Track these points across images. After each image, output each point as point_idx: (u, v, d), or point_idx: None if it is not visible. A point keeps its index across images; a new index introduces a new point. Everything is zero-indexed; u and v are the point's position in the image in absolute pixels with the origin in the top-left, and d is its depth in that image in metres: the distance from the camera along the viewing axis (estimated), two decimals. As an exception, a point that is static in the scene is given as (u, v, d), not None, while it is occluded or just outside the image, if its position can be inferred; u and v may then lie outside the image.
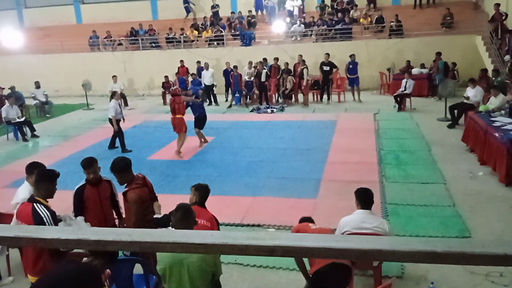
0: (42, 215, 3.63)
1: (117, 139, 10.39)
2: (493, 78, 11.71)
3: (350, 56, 15.48)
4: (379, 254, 1.07)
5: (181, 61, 17.15)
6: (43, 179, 3.86)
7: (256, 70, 15.33)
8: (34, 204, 3.72)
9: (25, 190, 4.45)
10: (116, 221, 4.84)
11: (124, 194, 4.37)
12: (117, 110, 10.24)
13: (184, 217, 3.25)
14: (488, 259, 1.03)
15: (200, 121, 10.31)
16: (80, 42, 19.91)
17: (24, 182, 4.67)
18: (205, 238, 1.15)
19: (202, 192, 4.33)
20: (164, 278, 3.20)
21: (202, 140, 10.53)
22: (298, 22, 18.59)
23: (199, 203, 4.29)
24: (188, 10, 21.22)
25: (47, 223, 3.56)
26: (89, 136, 12.16)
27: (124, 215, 4.81)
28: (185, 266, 3.11)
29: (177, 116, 9.70)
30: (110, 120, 10.27)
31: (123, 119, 10.56)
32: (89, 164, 4.52)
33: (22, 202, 4.01)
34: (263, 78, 15.02)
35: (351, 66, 15.37)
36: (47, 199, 3.86)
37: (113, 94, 10.54)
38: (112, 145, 10.50)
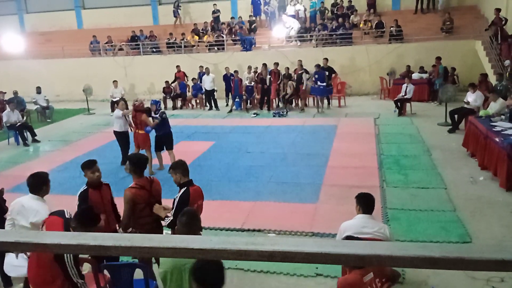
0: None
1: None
2: (497, 82, 11.73)
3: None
4: (377, 260, 1.08)
5: (177, 66, 17.20)
6: (83, 225, 3.63)
7: (257, 75, 15.37)
8: None
9: (44, 207, 4.17)
10: (117, 226, 4.84)
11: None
12: (121, 123, 9.23)
13: (189, 222, 3.27)
14: (486, 265, 1.04)
15: (160, 140, 8.97)
16: (81, 47, 19.98)
17: (35, 198, 4.22)
18: (204, 243, 1.15)
19: (182, 168, 4.43)
20: (165, 282, 3.20)
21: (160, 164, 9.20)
22: (295, 23, 18.67)
23: (188, 182, 4.39)
24: (175, 14, 21.42)
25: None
26: (90, 140, 12.17)
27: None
28: (186, 272, 3.10)
29: (140, 131, 8.84)
30: (115, 132, 9.38)
31: (131, 128, 9.36)
32: (92, 163, 4.58)
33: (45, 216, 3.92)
34: (267, 83, 15.07)
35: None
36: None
37: (116, 104, 9.64)
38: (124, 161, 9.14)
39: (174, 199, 4.33)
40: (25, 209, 4.12)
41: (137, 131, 8.97)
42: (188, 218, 3.28)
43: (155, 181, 4.66)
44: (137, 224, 4.42)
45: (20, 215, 4.12)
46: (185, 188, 4.34)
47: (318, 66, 14.72)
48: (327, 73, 14.86)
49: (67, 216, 3.78)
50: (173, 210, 4.26)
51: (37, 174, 4.34)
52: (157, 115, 8.80)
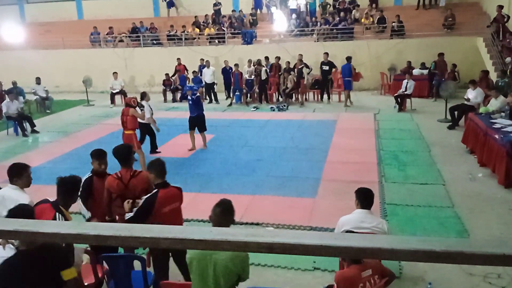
0: None
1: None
2: (498, 79, 11.71)
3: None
4: (378, 253, 1.07)
5: (178, 59, 17.15)
6: (69, 192, 3.88)
7: (256, 69, 15.34)
8: (57, 213, 3.73)
9: (22, 196, 4.17)
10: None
11: None
12: (150, 112, 9.22)
13: (223, 213, 3.27)
14: (486, 259, 1.03)
15: (193, 121, 9.65)
16: (81, 38, 19.91)
17: (14, 188, 4.24)
18: (204, 234, 1.15)
19: (157, 169, 4.20)
20: (190, 267, 3.25)
21: (203, 143, 9.94)
22: (294, 16, 18.62)
23: (161, 184, 4.16)
24: (171, 4, 21.29)
25: None
26: (89, 132, 12.16)
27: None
28: (212, 262, 3.14)
29: (125, 132, 8.35)
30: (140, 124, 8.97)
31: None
32: (103, 155, 4.73)
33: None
34: (263, 77, 15.04)
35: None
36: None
37: (143, 96, 9.37)
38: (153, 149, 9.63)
39: (143, 199, 4.18)
40: (5, 200, 4.17)
41: (124, 131, 8.44)
42: (222, 210, 3.28)
43: (138, 176, 4.54)
44: (114, 213, 4.56)
45: (1, 205, 4.16)
46: (155, 191, 4.12)
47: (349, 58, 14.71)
48: (328, 67, 14.84)
49: (51, 200, 3.88)
50: (136, 209, 4.13)
51: (14, 165, 4.39)
52: (193, 97, 9.54)
